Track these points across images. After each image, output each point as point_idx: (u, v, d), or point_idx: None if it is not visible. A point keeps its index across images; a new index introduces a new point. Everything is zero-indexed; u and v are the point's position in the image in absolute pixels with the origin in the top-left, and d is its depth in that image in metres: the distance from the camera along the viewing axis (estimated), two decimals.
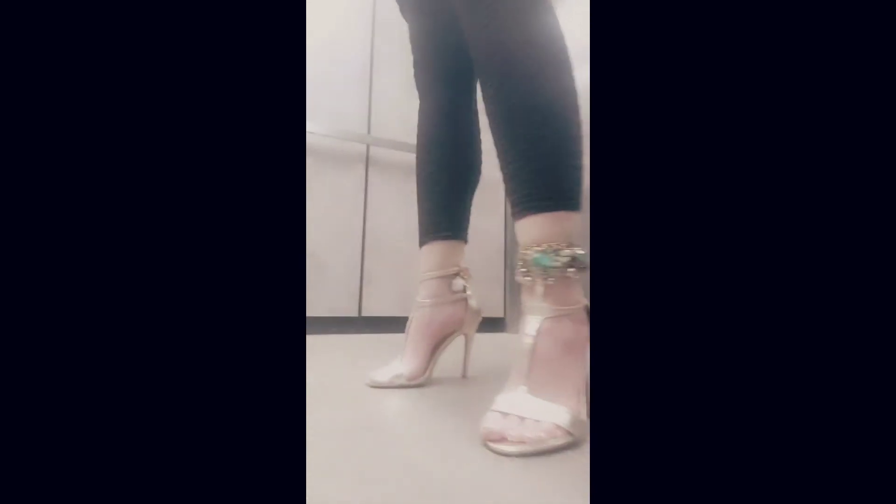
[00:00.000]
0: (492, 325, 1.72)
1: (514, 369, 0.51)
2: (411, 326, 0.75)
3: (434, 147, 0.79)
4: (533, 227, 0.53)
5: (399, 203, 1.59)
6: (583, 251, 0.52)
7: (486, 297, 1.70)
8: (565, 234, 0.52)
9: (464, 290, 0.75)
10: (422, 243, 0.78)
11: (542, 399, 0.48)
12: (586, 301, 0.54)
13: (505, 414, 0.47)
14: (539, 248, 0.52)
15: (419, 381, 0.72)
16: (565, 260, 0.51)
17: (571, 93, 0.55)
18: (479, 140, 0.81)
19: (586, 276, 0.47)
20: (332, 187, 1.47)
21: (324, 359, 0.97)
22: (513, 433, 0.45)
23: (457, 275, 0.76)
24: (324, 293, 1.42)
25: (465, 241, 0.79)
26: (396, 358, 0.75)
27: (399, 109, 1.59)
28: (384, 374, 0.72)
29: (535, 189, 0.53)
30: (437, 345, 0.75)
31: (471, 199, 0.81)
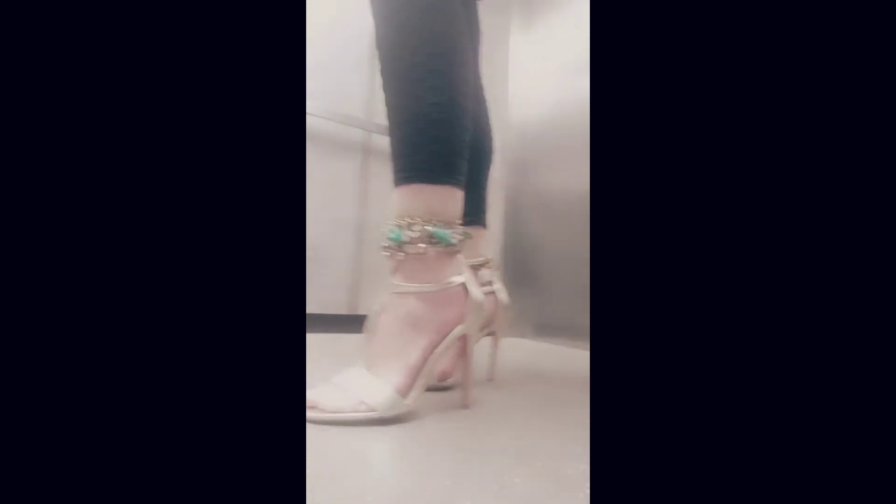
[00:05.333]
0: None
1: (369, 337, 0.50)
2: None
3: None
4: (395, 200, 0.51)
5: None
6: (442, 228, 0.49)
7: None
8: (424, 208, 0.49)
9: (490, 283, 0.67)
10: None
11: (372, 374, 0.47)
12: (459, 279, 0.50)
13: (333, 385, 0.47)
14: (394, 223, 0.50)
15: (448, 383, 0.62)
16: (415, 235, 0.48)
17: (455, 66, 0.51)
18: (488, 113, 0.76)
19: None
20: (328, 175, 1.37)
21: (311, 361, 0.87)
22: (324, 402, 0.45)
23: (483, 265, 0.69)
24: (316, 289, 1.31)
25: (485, 225, 0.74)
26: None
27: None
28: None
29: (398, 159, 0.51)
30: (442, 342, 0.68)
31: (487, 178, 0.76)
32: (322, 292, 1.33)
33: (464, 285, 0.51)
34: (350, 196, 1.42)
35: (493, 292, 0.67)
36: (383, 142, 1.47)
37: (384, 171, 1.43)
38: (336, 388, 0.47)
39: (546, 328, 1.48)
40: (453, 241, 0.50)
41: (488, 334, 0.68)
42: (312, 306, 1.30)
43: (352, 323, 1.38)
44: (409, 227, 0.49)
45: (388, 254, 0.50)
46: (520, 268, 1.65)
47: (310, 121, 1.32)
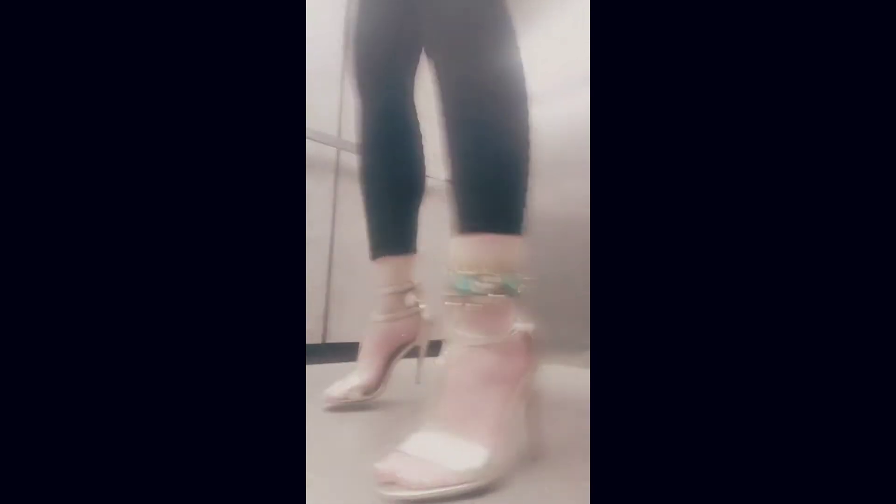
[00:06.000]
0: None
1: (428, 403, 0.47)
2: (365, 341, 0.77)
3: (378, 158, 0.78)
4: (460, 248, 0.50)
5: None
6: (511, 279, 0.48)
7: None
8: (493, 258, 0.48)
9: (416, 305, 0.77)
10: (372, 257, 0.79)
11: (454, 437, 0.44)
12: (525, 328, 0.50)
13: (406, 455, 0.43)
14: (461, 272, 0.48)
15: (374, 395, 0.73)
16: (486, 286, 0.47)
17: (520, 119, 0.51)
18: (422, 144, 0.80)
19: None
20: None
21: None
22: (406, 476, 0.40)
23: (409, 290, 0.77)
24: None
25: (415, 251, 0.79)
26: (352, 372, 0.75)
27: None
28: (339, 388, 0.71)
29: (465, 207, 0.50)
30: (392, 357, 0.77)
31: (418, 208, 0.80)
32: None
33: (526, 333, 0.50)
34: (320, 215, 1.34)
35: (418, 312, 0.77)
36: (353, 160, 1.41)
37: (354, 190, 1.39)
38: (407, 457, 0.42)
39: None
40: (519, 291, 0.49)
41: (413, 347, 0.79)
42: None
43: (323, 352, 1.30)
44: (479, 277, 0.47)
45: (452, 304, 0.48)
46: None
47: None
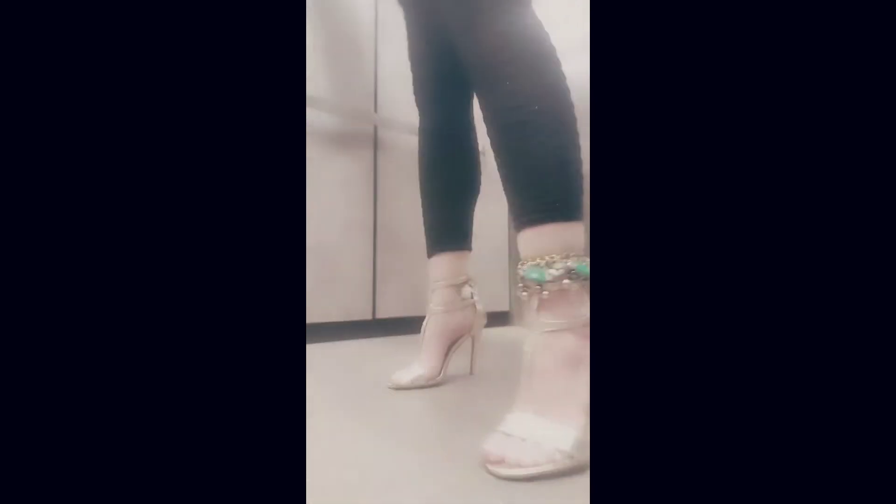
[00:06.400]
0: (498, 318, 1.65)
1: (520, 387, 0.51)
2: (426, 332, 0.82)
3: (435, 167, 0.85)
4: (527, 241, 0.53)
5: (413, 191, 1.41)
6: (581, 263, 0.50)
7: (491, 290, 1.62)
8: (560, 245, 0.51)
9: (471, 297, 0.83)
10: (430, 254, 0.85)
11: (548, 419, 0.47)
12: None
13: (507, 435, 0.46)
14: (533, 262, 0.51)
15: (437, 381, 0.80)
16: (558, 273, 0.49)
17: (558, 96, 0.53)
18: (478, 155, 0.87)
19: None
20: (336, 174, 1.30)
21: (342, 371, 0.88)
22: (512, 456, 0.44)
23: (465, 283, 0.83)
24: (333, 295, 1.26)
25: (470, 248, 0.85)
26: (415, 361, 0.82)
27: (409, 86, 1.41)
28: (405, 377, 0.78)
29: (526, 202, 0.52)
30: (450, 347, 0.83)
31: (473, 207, 0.87)
32: (340, 299, 1.28)
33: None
34: (363, 196, 1.36)
35: (474, 303, 0.83)
36: (390, 136, 1.40)
37: (393, 167, 1.39)
38: (510, 437, 0.46)
39: None
40: (588, 273, 0.51)
41: (469, 337, 0.85)
42: (332, 314, 1.26)
43: (374, 328, 1.33)
44: (549, 265, 0.49)
45: (528, 293, 0.51)
46: None
47: (312, 115, 1.26)
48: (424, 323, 0.83)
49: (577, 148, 0.53)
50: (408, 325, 1.35)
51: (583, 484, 0.41)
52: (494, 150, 0.55)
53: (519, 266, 0.52)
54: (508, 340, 1.28)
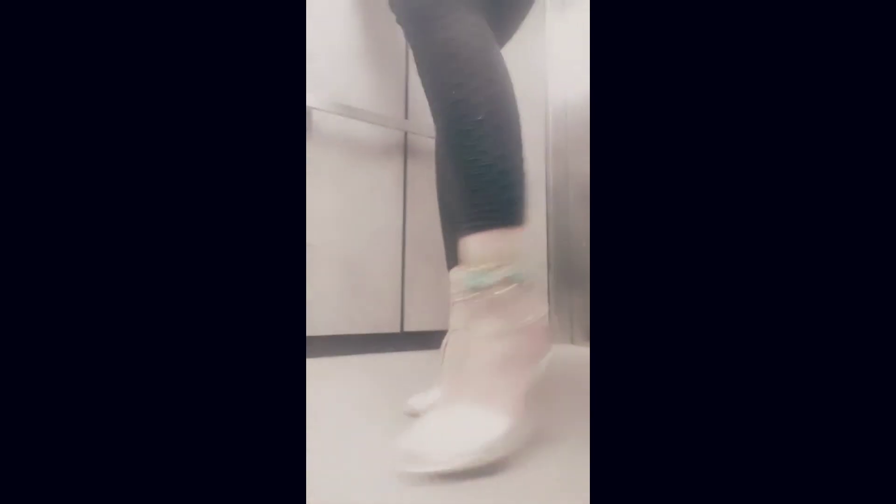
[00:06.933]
0: None
1: (449, 382, 0.52)
2: (447, 351, 0.70)
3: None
4: (468, 248, 0.54)
5: None
6: (518, 269, 0.52)
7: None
8: (499, 252, 0.52)
9: None
10: (450, 267, 0.79)
11: (477, 415, 0.47)
12: (542, 313, 0.55)
13: (428, 429, 0.46)
14: (474, 269, 0.52)
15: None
16: (496, 280, 0.51)
17: (501, 106, 0.54)
18: None
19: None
20: (366, 181, 1.27)
21: (365, 386, 0.80)
22: (433, 454, 0.43)
23: None
24: (361, 306, 1.22)
25: None
26: (434, 384, 0.71)
27: None
28: (422, 402, 0.68)
29: (468, 209, 0.54)
30: None
31: None
32: (368, 310, 1.24)
33: (544, 318, 0.55)
34: (392, 203, 1.32)
35: None
36: (421, 142, 1.37)
37: (423, 174, 1.35)
38: (434, 432, 0.45)
39: None
40: (526, 279, 0.53)
41: None
42: (359, 326, 1.22)
43: (402, 341, 1.29)
44: (488, 271, 0.51)
45: (471, 298, 0.52)
46: (566, 268, 1.51)
47: (343, 123, 1.23)
48: (444, 340, 0.75)
49: (521, 157, 0.55)
50: (437, 340, 1.30)
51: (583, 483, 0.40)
52: (442, 157, 0.56)
53: (456, 270, 0.54)
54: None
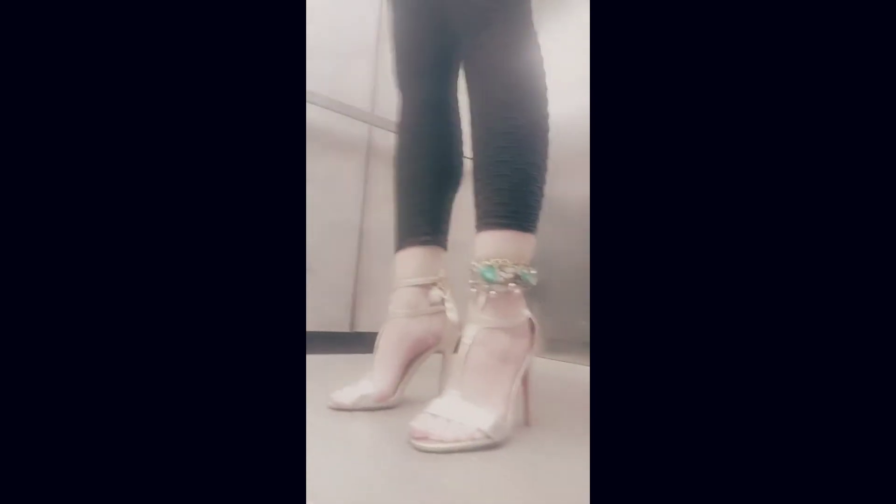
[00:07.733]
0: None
1: (451, 374, 0.56)
2: (382, 340, 0.68)
3: (416, 144, 0.75)
4: (486, 242, 0.57)
5: None
6: (527, 271, 0.56)
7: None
8: (515, 252, 0.56)
9: (442, 302, 0.69)
10: (397, 248, 0.73)
11: (473, 404, 0.52)
12: (527, 313, 0.59)
13: (434, 416, 0.51)
14: (487, 263, 0.55)
15: (388, 403, 0.65)
16: (509, 276, 0.55)
17: (542, 126, 0.60)
18: (461, 137, 0.76)
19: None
20: (326, 173, 1.22)
21: (312, 383, 0.72)
22: (435, 433, 0.49)
23: (434, 284, 0.70)
24: (313, 303, 1.16)
25: (445, 247, 0.74)
26: (364, 376, 0.66)
27: None
28: (348, 395, 0.63)
29: (494, 207, 0.57)
30: (411, 362, 0.68)
31: (452, 200, 0.76)
32: (320, 307, 1.18)
33: (530, 319, 0.60)
34: (351, 197, 1.27)
35: (443, 311, 0.69)
36: (386, 139, 1.33)
37: (385, 173, 1.31)
38: (437, 417, 0.51)
39: (559, 344, 1.34)
40: (534, 282, 0.57)
41: (437, 352, 0.70)
42: (309, 323, 1.15)
43: (351, 342, 1.23)
44: (502, 268, 0.54)
45: (476, 290, 0.56)
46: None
47: (308, 110, 1.17)
48: (381, 329, 0.67)
49: (544, 175, 0.59)
50: None
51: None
52: (475, 156, 0.60)
53: (472, 263, 0.57)
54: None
